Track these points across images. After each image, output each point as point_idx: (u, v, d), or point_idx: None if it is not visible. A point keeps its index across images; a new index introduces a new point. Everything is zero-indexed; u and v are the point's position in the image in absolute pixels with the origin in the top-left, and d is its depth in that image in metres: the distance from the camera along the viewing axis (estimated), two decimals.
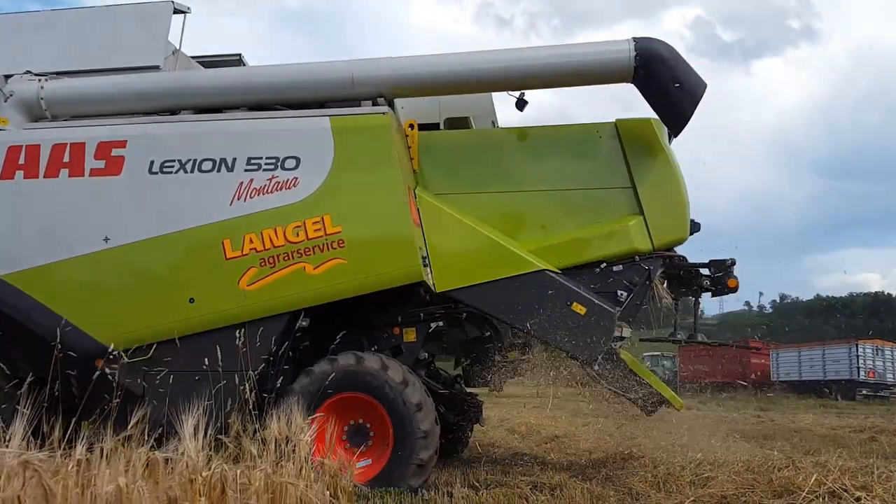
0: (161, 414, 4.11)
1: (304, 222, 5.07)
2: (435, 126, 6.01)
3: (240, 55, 6.52)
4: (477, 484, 5.21)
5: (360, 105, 5.41)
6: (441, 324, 5.51)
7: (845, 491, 3.95)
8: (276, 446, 3.81)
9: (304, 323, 5.15)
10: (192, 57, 6.43)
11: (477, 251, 5.33)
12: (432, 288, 5.22)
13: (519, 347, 5.56)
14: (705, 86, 5.25)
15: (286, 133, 5.30)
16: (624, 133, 5.47)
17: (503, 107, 5.85)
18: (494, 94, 6.17)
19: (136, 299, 5.25)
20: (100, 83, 5.68)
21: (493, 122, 6.49)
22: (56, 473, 2.91)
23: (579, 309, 5.12)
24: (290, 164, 5.17)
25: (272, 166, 5.18)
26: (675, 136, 5.46)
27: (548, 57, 5.38)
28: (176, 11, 5.88)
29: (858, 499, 3.85)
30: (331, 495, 3.65)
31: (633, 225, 5.34)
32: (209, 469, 3.14)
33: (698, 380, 31.06)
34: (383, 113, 5.26)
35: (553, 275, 5.22)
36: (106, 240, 5.24)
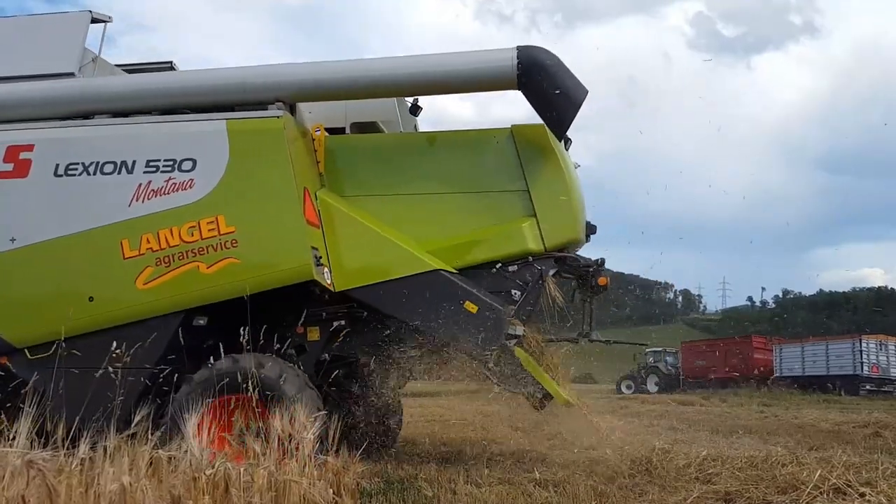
0: (65, 410, 4.21)
1: (199, 222, 5.25)
2: (341, 130, 6.25)
3: (171, 62, 6.68)
4: (480, 480, 5.20)
5: (266, 109, 5.57)
6: (343, 323, 5.60)
7: (849, 487, 3.94)
8: (279, 444, 3.81)
9: (201, 321, 5.28)
10: (125, 65, 6.62)
11: (374, 251, 5.54)
12: (328, 287, 5.37)
13: (417, 345, 5.63)
14: (586, 92, 5.45)
15: (184, 136, 5.52)
16: (519, 138, 5.69)
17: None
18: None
19: (41, 298, 5.43)
20: (13, 89, 5.83)
21: (415, 127, 6.78)
22: (60, 472, 2.91)
23: (471, 307, 5.30)
24: (186, 165, 5.36)
25: (170, 168, 5.37)
26: (560, 140, 5.63)
27: (436, 65, 5.58)
28: (95, 21, 6.09)
29: (863, 494, 3.84)
30: (334, 493, 3.66)
31: (526, 226, 5.55)
32: (213, 467, 3.14)
33: (701, 375, 31.10)
34: (277, 117, 5.44)
35: (447, 274, 5.41)
36: (12, 240, 5.44)
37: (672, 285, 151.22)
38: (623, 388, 31.99)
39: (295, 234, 5.24)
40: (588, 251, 6.14)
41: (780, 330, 51.84)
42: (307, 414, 4.74)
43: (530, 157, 5.62)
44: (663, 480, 4.80)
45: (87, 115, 5.80)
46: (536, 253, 5.52)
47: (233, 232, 5.21)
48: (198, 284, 5.22)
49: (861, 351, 26.21)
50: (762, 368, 29.24)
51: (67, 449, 3.27)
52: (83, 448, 3.15)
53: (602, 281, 5.65)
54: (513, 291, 5.48)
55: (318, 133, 5.76)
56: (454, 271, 5.47)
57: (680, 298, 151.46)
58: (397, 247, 5.49)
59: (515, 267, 5.52)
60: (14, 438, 2.97)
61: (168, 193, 5.31)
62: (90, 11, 6.02)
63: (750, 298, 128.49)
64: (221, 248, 5.20)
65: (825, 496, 3.93)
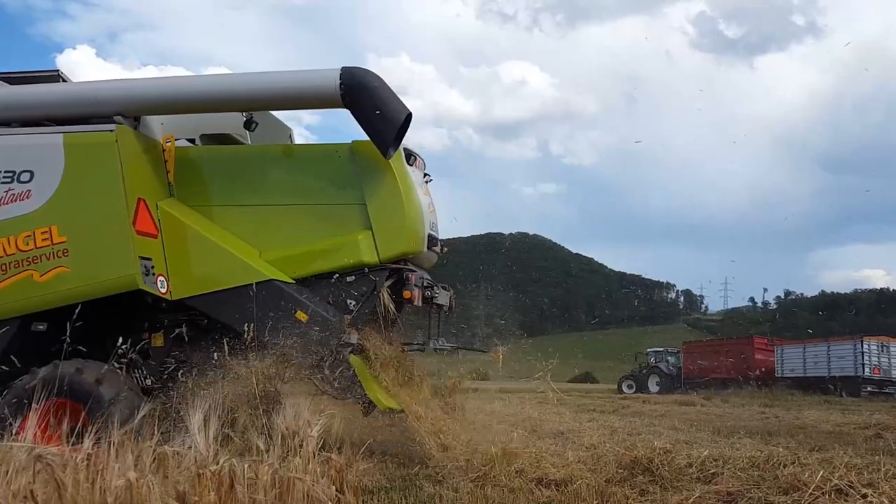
0: None
1: (34, 232, 5.46)
2: (192, 142, 6.46)
3: (58, 71, 6.71)
4: (482, 479, 5.21)
5: (111, 122, 5.70)
6: (184, 329, 5.76)
7: (851, 488, 3.94)
8: (282, 441, 3.83)
9: (40, 327, 5.48)
10: (6, 73, 6.59)
11: (209, 261, 5.73)
12: (162, 296, 5.57)
13: (252, 352, 5.70)
14: (407, 114, 5.64)
15: (23, 148, 5.67)
16: (358, 153, 5.85)
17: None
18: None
19: None
20: None
21: (290, 138, 7.02)
22: (65, 467, 2.93)
23: (302, 317, 5.52)
24: (25, 177, 5.55)
25: (9, 179, 5.55)
26: (387, 159, 5.72)
27: (265, 82, 5.81)
28: None
29: (865, 495, 3.84)
30: (336, 490, 3.67)
31: (362, 239, 5.73)
32: (217, 463, 3.16)
33: (702, 376, 31.09)
34: (110, 130, 5.60)
35: (281, 284, 5.61)
36: None
37: (674, 285, 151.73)
38: (624, 388, 31.99)
39: (121, 245, 5.47)
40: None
41: (781, 331, 51.80)
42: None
43: (368, 171, 5.78)
44: (665, 480, 4.80)
45: None
46: (371, 264, 5.69)
47: (64, 242, 5.44)
48: (32, 292, 5.43)
49: (862, 352, 26.19)
50: (763, 369, 29.22)
51: (72, 444, 3.29)
52: (87, 443, 3.17)
53: (406, 294, 5.82)
54: (349, 301, 5.67)
55: (168, 144, 5.94)
56: (290, 281, 5.66)
57: (682, 299, 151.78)
58: (232, 256, 5.70)
59: (353, 277, 5.70)
60: (20, 433, 2.98)
61: (6, 204, 5.51)
62: None
63: (752, 299, 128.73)
64: (54, 258, 5.43)
65: (827, 497, 3.93)
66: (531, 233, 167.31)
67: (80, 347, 5.16)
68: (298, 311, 5.51)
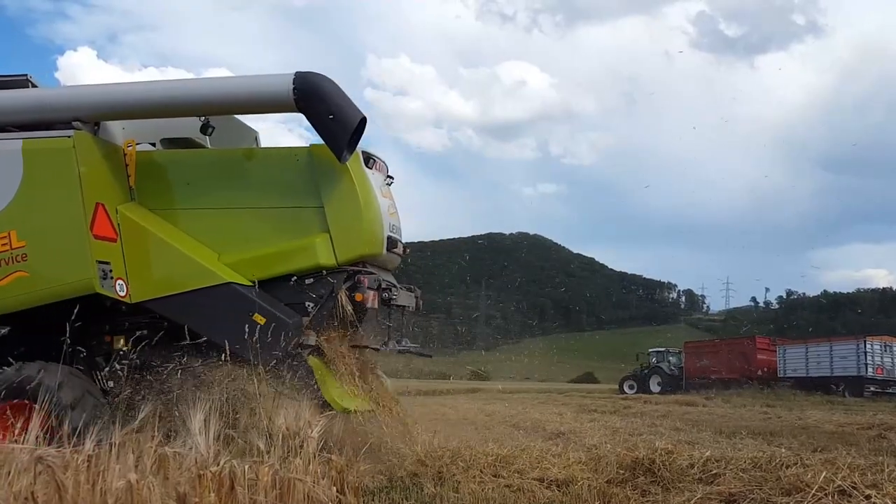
0: None
1: None
2: (153, 146, 6.50)
3: (27, 76, 6.67)
4: (483, 479, 5.21)
5: (70, 128, 5.72)
6: (146, 332, 5.77)
7: (855, 489, 3.92)
8: (283, 441, 3.83)
9: (2, 331, 5.51)
10: None
11: (169, 264, 5.77)
12: (121, 299, 5.62)
13: (213, 354, 5.70)
14: (360, 118, 5.63)
15: None
16: (316, 157, 5.85)
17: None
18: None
19: None
20: None
21: (256, 140, 7.15)
22: (66, 469, 2.93)
23: (259, 319, 5.54)
24: None
25: None
26: (342, 163, 5.73)
27: (219, 87, 5.87)
28: None
29: (868, 497, 3.82)
30: (337, 491, 3.67)
31: (319, 241, 5.74)
32: (218, 464, 3.15)
33: (704, 376, 31.07)
34: (68, 136, 5.64)
35: (239, 287, 5.64)
36: None
37: (675, 285, 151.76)
38: (626, 389, 32.00)
39: (78, 249, 5.50)
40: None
41: (783, 331, 51.72)
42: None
43: (326, 174, 5.80)
44: (666, 481, 4.78)
45: None
46: (329, 267, 5.72)
47: (23, 246, 5.50)
48: None
49: (865, 352, 26.16)
50: (766, 369, 29.19)
51: (73, 445, 3.29)
52: (88, 444, 3.16)
53: (358, 297, 5.81)
54: (307, 304, 5.72)
55: (130, 148, 5.96)
56: (249, 284, 5.68)
57: (683, 298, 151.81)
58: (190, 259, 5.72)
59: (311, 280, 5.74)
60: (23, 434, 2.98)
61: None
62: None
63: (753, 299, 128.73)
64: (13, 262, 5.50)
65: (830, 498, 3.91)
66: (531, 233, 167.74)
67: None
68: (256, 314, 5.55)
